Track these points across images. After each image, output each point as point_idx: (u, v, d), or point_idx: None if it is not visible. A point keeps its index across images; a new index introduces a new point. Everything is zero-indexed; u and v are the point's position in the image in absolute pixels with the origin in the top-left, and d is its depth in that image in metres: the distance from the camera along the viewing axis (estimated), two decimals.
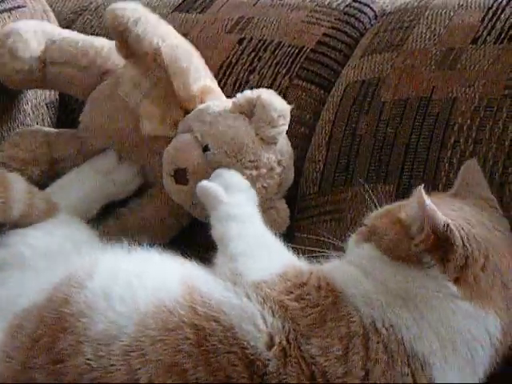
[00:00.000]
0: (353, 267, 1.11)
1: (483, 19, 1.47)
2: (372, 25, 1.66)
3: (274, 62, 1.61)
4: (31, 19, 1.67)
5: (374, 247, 1.11)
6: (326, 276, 1.09)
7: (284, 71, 1.59)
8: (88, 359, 1.02)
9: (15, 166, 1.51)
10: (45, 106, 1.72)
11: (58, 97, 1.75)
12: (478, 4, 1.51)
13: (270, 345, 1.02)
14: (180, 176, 1.39)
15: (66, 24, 1.80)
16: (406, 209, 1.12)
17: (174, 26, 1.51)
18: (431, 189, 1.24)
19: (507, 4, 1.48)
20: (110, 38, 1.53)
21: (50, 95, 1.73)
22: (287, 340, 1.03)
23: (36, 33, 1.56)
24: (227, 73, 1.61)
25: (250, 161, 1.37)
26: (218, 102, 1.44)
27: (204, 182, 1.27)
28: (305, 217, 1.48)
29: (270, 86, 1.55)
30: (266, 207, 1.37)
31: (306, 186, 1.49)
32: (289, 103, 1.40)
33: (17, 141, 1.57)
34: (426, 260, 1.06)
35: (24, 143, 1.55)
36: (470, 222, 1.09)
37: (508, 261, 1.09)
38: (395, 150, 1.41)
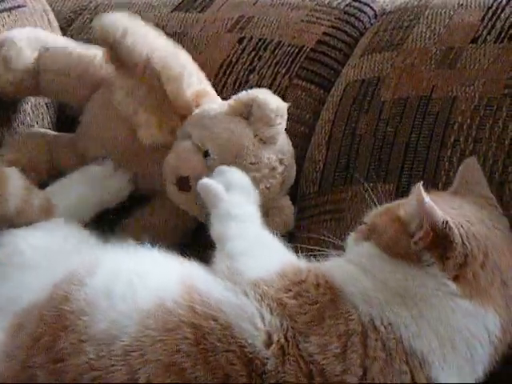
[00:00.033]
0: (352, 265, 1.11)
1: (483, 18, 1.47)
2: (372, 24, 1.66)
3: (274, 61, 1.61)
4: (31, 18, 1.67)
5: (374, 245, 1.11)
6: (324, 274, 1.09)
7: (284, 70, 1.59)
8: (89, 359, 1.02)
9: None
10: (45, 106, 1.72)
11: None
12: (478, 3, 1.51)
13: (268, 343, 1.02)
14: (183, 183, 1.38)
15: (66, 23, 1.81)
16: (405, 206, 1.12)
17: (173, 26, 1.51)
18: (431, 188, 1.23)
19: (507, 3, 1.48)
20: None
21: None
22: (285, 338, 1.02)
23: (30, 40, 1.55)
24: (227, 72, 1.61)
25: (251, 163, 1.37)
26: (215, 105, 1.44)
27: (205, 180, 1.26)
28: (305, 216, 1.47)
29: (269, 86, 1.56)
30: (270, 206, 1.38)
31: (306, 185, 1.49)
32: (289, 103, 1.39)
33: (18, 146, 1.56)
34: (426, 258, 1.06)
35: (25, 148, 1.55)
36: (469, 219, 1.09)
37: (507, 259, 1.09)
38: (395, 149, 1.41)
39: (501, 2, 1.48)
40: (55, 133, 1.65)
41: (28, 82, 1.55)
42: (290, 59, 1.60)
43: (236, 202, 1.23)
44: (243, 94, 1.40)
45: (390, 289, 1.06)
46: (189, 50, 1.49)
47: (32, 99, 1.69)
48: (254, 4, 1.72)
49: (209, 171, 1.36)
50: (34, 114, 1.67)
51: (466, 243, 1.06)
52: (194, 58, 1.48)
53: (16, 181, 1.36)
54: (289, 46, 1.62)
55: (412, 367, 1.02)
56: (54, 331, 1.05)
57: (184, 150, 1.40)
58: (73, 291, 1.08)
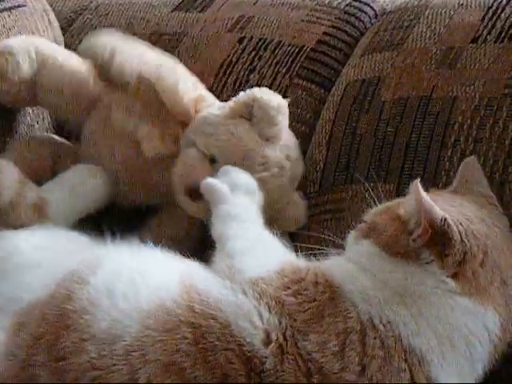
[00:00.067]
0: (351, 263, 1.11)
1: (483, 18, 1.47)
2: (372, 24, 1.66)
3: (275, 61, 1.61)
4: (31, 17, 1.67)
5: (373, 243, 1.11)
6: (323, 272, 1.09)
7: (284, 70, 1.59)
8: (91, 358, 1.02)
9: None
10: None
11: None
12: (478, 3, 1.51)
13: (266, 342, 1.02)
14: (193, 192, 1.37)
15: (66, 23, 1.80)
16: (405, 205, 1.12)
17: (173, 25, 1.51)
18: (431, 188, 1.23)
19: (507, 3, 1.48)
20: None
21: None
22: (284, 336, 1.02)
23: (29, 53, 1.53)
24: (227, 72, 1.61)
25: (259, 164, 1.37)
26: (215, 109, 1.43)
27: (209, 180, 1.26)
28: None
29: (270, 85, 1.56)
30: (283, 203, 1.38)
31: (307, 185, 1.49)
32: (288, 99, 1.40)
33: (24, 155, 1.54)
34: (425, 256, 1.06)
35: (31, 156, 1.53)
36: (469, 217, 1.09)
37: (507, 257, 1.09)
38: (395, 149, 1.40)
39: (501, 1, 1.48)
40: (59, 139, 1.63)
41: (25, 93, 1.52)
42: (291, 59, 1.60)
43: (239, 203, 1.23)
44: (243, 95, 1.40)
45: (389, 287, 1.06)
46: (189, 50, 1.50)
47: None
48: (254, 4, 1.72)
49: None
50: (34, 114, 1.66)
51: (465, 240, 1.06)
52: (194, 58, 1.48)
53: (10, 174, 1.36)
54: (289, 45, 1.62)
55: (411, 365, 1.02)
56: (55, 330, 1.05)
57: (190, 157, 1.39)
58: (76, 290, 1.08)
